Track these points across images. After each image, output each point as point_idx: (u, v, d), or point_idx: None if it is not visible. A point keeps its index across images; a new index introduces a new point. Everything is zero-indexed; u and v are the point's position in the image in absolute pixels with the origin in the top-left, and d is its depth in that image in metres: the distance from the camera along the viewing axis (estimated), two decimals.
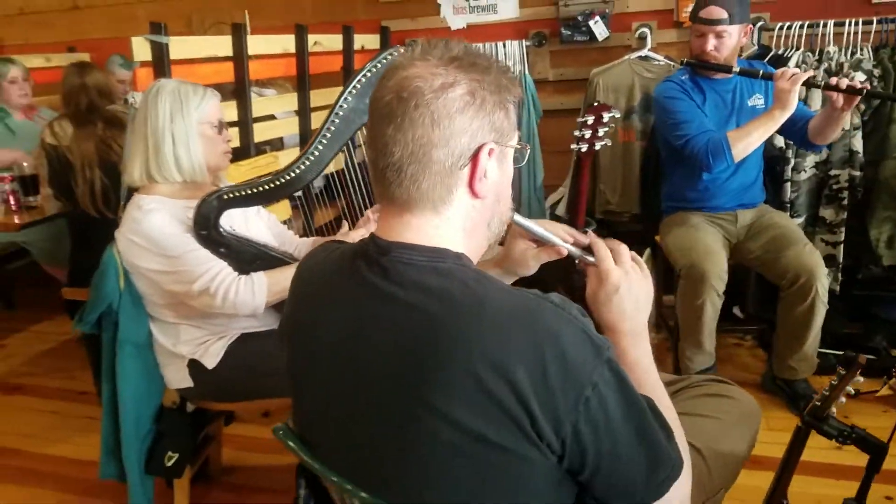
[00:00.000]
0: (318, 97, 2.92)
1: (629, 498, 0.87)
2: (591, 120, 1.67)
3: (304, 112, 2.87)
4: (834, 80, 2.26)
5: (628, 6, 3.43)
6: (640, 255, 1.06)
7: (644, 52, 3.33)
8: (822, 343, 2.54)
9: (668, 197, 2.75)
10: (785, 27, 2.98)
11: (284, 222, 2.31)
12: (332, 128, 1.76)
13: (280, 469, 2.37)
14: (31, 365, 3.31)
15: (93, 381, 2.80)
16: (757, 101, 2.54)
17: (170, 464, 1.94)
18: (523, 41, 3.52)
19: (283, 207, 2.51)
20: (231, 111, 2.47)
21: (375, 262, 0.90)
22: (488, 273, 0.93)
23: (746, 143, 2.33)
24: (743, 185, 2.60)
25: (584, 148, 1.70)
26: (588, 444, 0.82)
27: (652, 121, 3.13)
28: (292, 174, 1.77)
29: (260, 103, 2.68)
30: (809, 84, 2.26)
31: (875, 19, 2.90)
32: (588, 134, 1.67)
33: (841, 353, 1.36)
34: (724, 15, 2.38)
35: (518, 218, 1.07)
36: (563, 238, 1.11)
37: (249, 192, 1.75)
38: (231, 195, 1.74)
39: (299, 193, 1.91)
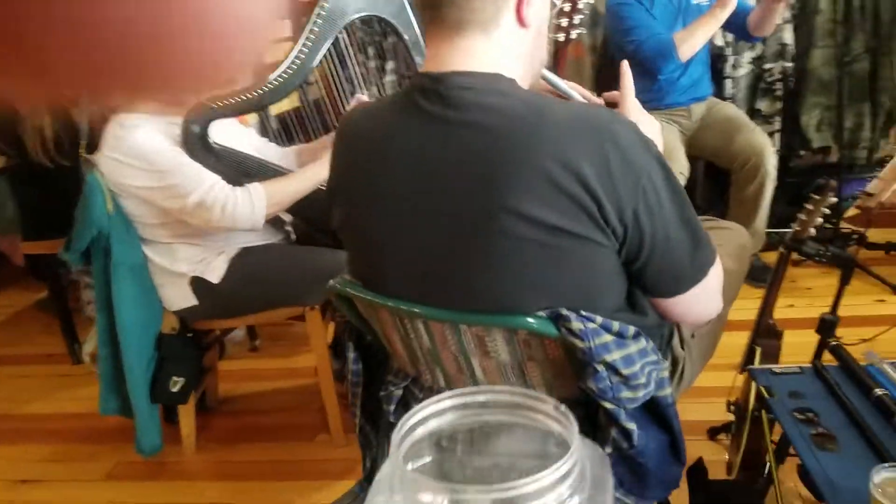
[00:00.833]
0: None
1: (676, 282, 0.99)
2: (567, 7, 1.73)
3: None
4: None
5: None
6: None
7: None
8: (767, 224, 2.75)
9: None
10: None
11: None
12: (316, 28, 1.76)
13: (279, 392, 2.40)
14: None
15: (63, 338, 2.75)
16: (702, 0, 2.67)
17: (175, 389, 1.95)
18: None
19: None
20: None
21: (432, 91, 0.94)
22: None
23: (692, 42, 2.46)
24: (692, 80, 2.74)
25: (562, 37, 1.76)
26: (645, 227, 0.92)
27: (600, 36, 3.23)
28: (279, 80, 1.77)
29: None
30: None
31: None
32: (565, 22, 1.73)
33: (785, 230, 1.51)
34: None
35: (544, 71, 1.14)
36: (583, 95, 1.21)
37: (237, 99, 1.73)
38: (222, 104, 1.72)
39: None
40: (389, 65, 3.18)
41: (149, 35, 0.20)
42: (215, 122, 1.73)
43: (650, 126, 1.14)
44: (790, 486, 1.54)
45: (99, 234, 1.79)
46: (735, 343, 1.68)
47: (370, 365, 1.35)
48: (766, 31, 2.60)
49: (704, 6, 2.61)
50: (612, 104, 1.21)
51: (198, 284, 1.82)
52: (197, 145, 1.71)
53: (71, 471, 2.07)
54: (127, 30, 0.20)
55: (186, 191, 1.68)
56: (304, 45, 1.75)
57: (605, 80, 3.15)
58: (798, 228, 1.49)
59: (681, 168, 2.51)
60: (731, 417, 1.71)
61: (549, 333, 0.95)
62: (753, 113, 3.12)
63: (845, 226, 2.51)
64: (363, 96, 1.89)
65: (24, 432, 2.37)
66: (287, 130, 2.79)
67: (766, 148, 2.52)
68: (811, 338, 1.50)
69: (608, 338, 0.95)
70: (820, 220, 1.47)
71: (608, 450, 1.00)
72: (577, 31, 1.79)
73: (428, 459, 0.57)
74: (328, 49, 1.79)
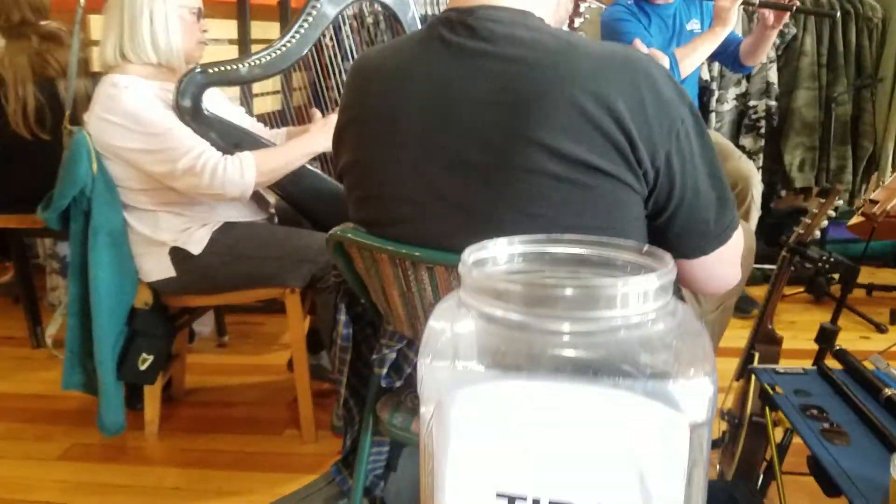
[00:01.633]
0: (256, 29, 2.86)
1: (702, 240, 0.95)
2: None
3: (243, 42, 2.80)
4: None
5: None
6: None
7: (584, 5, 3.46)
8: None
9: None
10: None
11: None
12: (314, 11, 1.73)
13: (248, 387, 2.31)
14: None
15: (26, 321, 2.62)
16: (694, 25, 2.72)
17: (144, 367, 1.85)
18: None
19: None
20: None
21: (459, 23, 0.91)
22: None
23: (692, 58, 2.49)
24: None
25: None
26: (676, 175, 0.88)
27: None
28: (278, 52, 1.72)
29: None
30: (746, 2, 2.45)
31: None
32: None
33: (771, 266, 1.51)
34: None
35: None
36: None
37: (233, 67, 1.69)
38: (214, 70, 1.67)
39: None
40: None
41: None
42: (208, 90, 1.68)
43: None
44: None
45: (81, 195, 1.71)
46: (722, 368, 1.65)
47: (358, 338, 1.29)
48: (758, 59, 2.65)
49: (697, 32, 2.66)
50: None
51: (177, 255, 1.74)
52: (189, 111, 1.65)
53: (24, 449, 1.94)
54: None
55: (176, 155, 1.62)
56: (302, 22, 1.72)
57: None
58: (801, 231, 1.49)
59: None
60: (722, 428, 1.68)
61: None
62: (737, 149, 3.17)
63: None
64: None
65: None
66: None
67: (753, 176, 2.55)
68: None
69: None
70: (826, 222, 1.46)
71: None
72: (586, 6, 1.79)
73: None
74: (325, 31, 1.76)
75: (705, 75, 3.09)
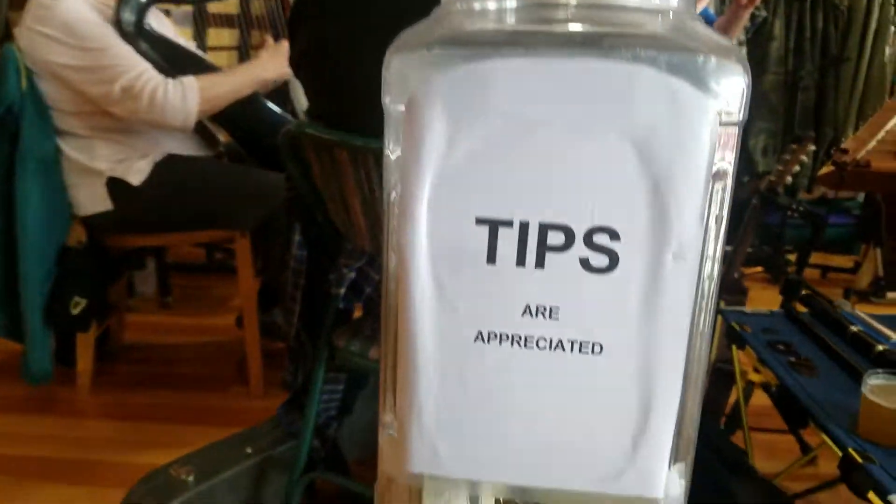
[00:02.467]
0: None
1: None
2: None
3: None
4: None
5: None
6: None
7: None
8: None
9: None
10: None
11: None
12: None
13: (192, 346, 2.19)
14: None
15: None
16: None
17: (76, 311, 1.72)
18: None
19: None
20: None
21: None
22: None
23: None
24: None
25: None
26: None
27: None
28: None
29: None
30: None
31: None
32: None
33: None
34: None
35: None
36: None
37: None
38: None
39: None
40: None
41: None
42: (155, 13, 1.57)
43: None
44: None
45: (8, 115, 1.58)
46: None
47: (312, 266, 1.20)
48: (731, 39, 2.64)
49: None
50: None
51: (115, 187, 1.62)
52: (130, 28, 1.54)
53: None
54: None
55: (114, 75, 1.51)
56: None
57: None
58: (773, 179, 1.45)
59: None
60: None
61: None
62: None
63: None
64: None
65: None
66: None
67: None
68: None
69: None
70: (797, 168, 1.43)
71: None
72: None
73: None
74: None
75: None
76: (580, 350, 0.30)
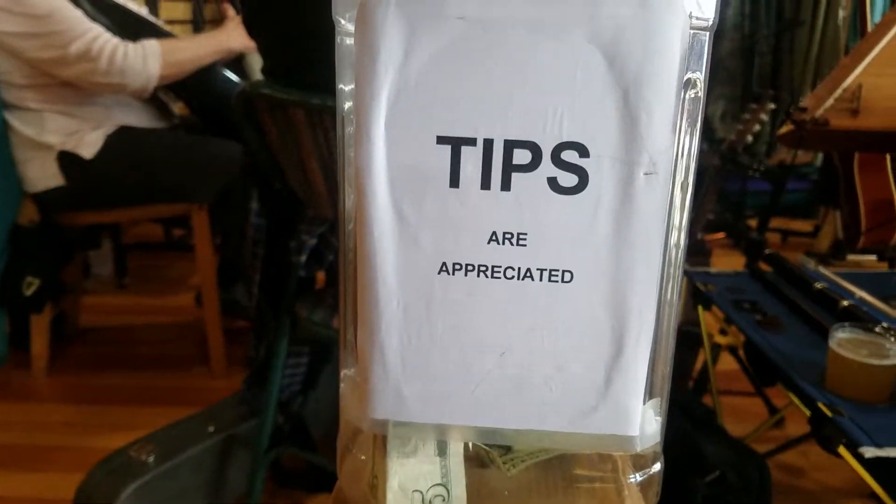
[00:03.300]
0: None
1: None
2: None
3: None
4: None
5: None
6: None
7: None
8: None
9: None
10: None
11: None
12: None
13: (150, 327, 2.13)
14: None
15: None
16: None
17: (28, 292, 1.66)
18: None
19: None
20: None
21: None
22: None
23: None
24: None
25: None
26: None
27: None
28: None
29: None
30: None
31: None
32: None
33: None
34: None
35: None
36: None
37: None
38: None
39: None
40: None
41: None
42: None
43: None
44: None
45: None
46: None
47: (272, 233, 1.16)
48: None
49: None
50: None
51: (67, 161, 1.56)
52: None
53: None
54: None
55: (66, 39, 1.44)
56: None
57: None
58: (734, 138, 1.45)
59: None
60: None
61: None
62: None
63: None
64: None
65: None
66: None
67: None
68: None
69: None
70: (758, 127, 1.43)
71: None
72: None
73: None
74: None
75: None
76: (549, 279, 0.29)
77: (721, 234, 2.94)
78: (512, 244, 0.28)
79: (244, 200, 1.10)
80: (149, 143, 1.60)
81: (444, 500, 0.32)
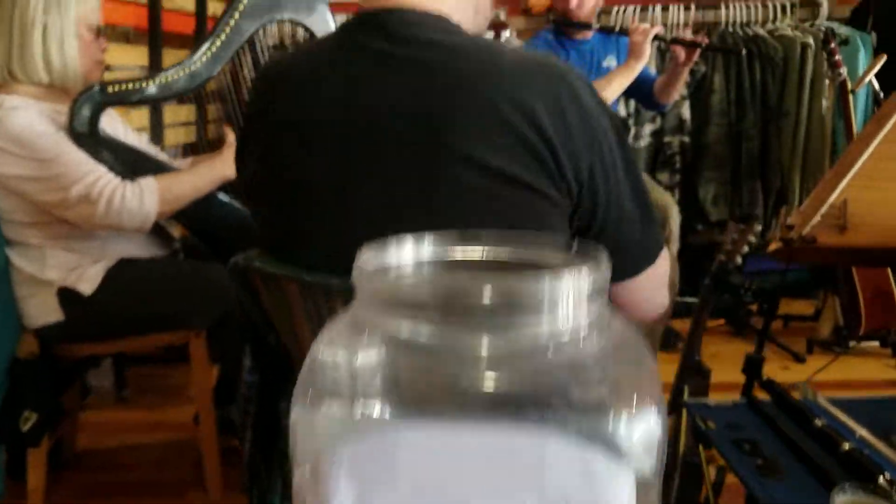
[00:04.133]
0: (169, 56, 2.73)
1: (630, 260, 0.89)
2: (491, 35, 1.71)
3: (154, 67, 2.66)
4: (679, 34, 2.52)
5: None
6: None
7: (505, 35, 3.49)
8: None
9: None
10: (620, 10, 3.29)
11: None
12: (232, 21, 1.62)
13: (148, 446, 2.11)
14: None
15: None
16: (611, 62, 2.75)
17: (26, 427, 1.65)
18: None
19: None
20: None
21: (375, 26, 0.85)
22: None
23: (608, 91, 2.51)
24: None
25: None
26: (600, 189, 0.83)
27: None
28: (189, 68, 1.61)
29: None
30: (658, 38, 2.50)
31: (693, 6, 3.29)
32: None
33: (692, 299, 1.50)
34: None
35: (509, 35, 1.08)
36: None
37: (136, 85, 1.56)
38: (114, 88, 1.55)
39: None
40: None
41: None
42: (108, 115, 1.55)
43: None
44: None
45: None
46: None
47: (267, 388, 1.16)
48: (670, 99, 2.71)
49: (613, 68, 2.70)
50: None
51: (66, 296, 1.58)
52: (84, 132, 1.52)
53: None
54: None
55: (68, 182, 1.48)
56: (215, 38, 1.61)
57: None
58: (723, 258, 1.46)
59: None
60: None
61: None
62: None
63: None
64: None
65: None
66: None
67: (671, 207, 2.57)
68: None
69: None
70: (746, 249, 1.45)
71: None
72: None
73: None
74: (241, 51, 1.66)
75: (622, 112, 3.14)
76: None
77: (721, 321, 2.94)
78: None
79: (238, 353, 1.10)
80: (147, 274, 1.62)
81: None
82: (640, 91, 2.71)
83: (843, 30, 3.12)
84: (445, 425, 0.27)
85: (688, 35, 2.49)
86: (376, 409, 0.28)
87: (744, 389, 1.42)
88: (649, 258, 0.90)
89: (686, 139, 3.18)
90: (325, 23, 1.71)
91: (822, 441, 1.12)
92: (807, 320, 2.93)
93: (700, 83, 3.20)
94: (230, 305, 1.63)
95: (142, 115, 2.46)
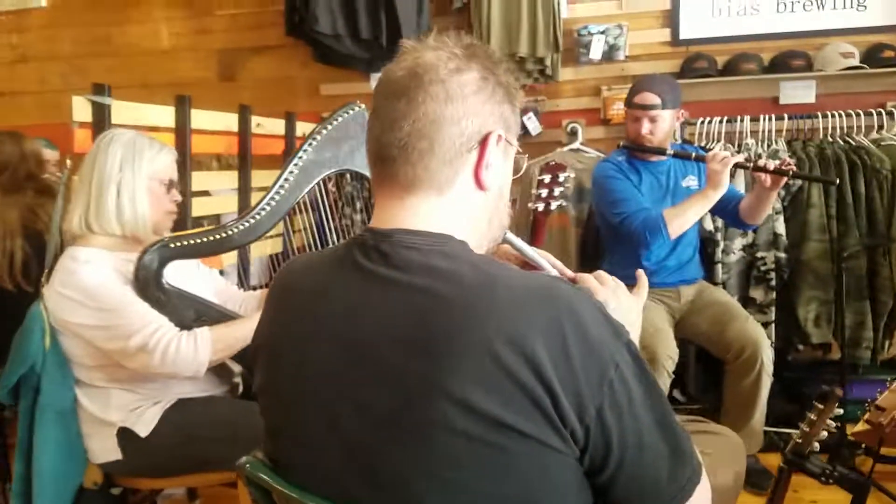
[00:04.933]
0: (258, 177, 2.89)
1: (652, 499, 0.81)
2: (547, 179, 1.70)
3: (244, 189, 2.82)
4: (762, 163, 2.40)
5: (558, 105, 3.61)
6: None
7: (576, 146, 3.48)
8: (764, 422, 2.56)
9: (609, 274, 2.78)
10: (706, 122, 3.20)
11: None
12: (291, 178, 1.71)
13: None
14: None
15: None
16: (691, 181, 2.66)
17: None
18: None
19: None
20: None
21: (374, 248, 0.85)
22: None
23: (682, 220, 2.42)
24: (680, 262, 2.68)
25: (541, 207, 1.72)
26: (613, 432, 0.76)
27: (586, 209, 3.24)
28: (247, 223, 1.69)
29: (201, 177, 2.62)
30: (739, 166, 2.40)
31: (786, 115, 3.16)
32: (545, 193, 1.70)
33: (784, 429, 1.37)
34: (656, 101, 2.53)
35: (510, 235, 1.06)
36: (554, 266, 1.11)
37: (198, 241, 1.66)
38: (177, 244, 1.65)
39: None
40: None
41: None
42: (173, 262, 1.63)
43: (627, 311, 1.04)
44: None
45: (31, 371, 1.65)
46: None
47: None
48: (758, 220, 2.58)
49: (693, 189, 2.60)
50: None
51: (124, 437, 1.65)
52: (148, 285, 1.62)
53: None
54: None
55: (129, 332, 1.57)
56: (276, 192, 1.69)
57: (589, 253, 3.10)
58: (800, 441, 1.33)
59: (668, 351, 2.38)
60: None
61: None
62: (747, 301, 3.03)
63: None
64: None
65: None
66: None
67: (762, 340, 2.39)
68: None
69: None
70: (825, 433, 1.31)
71: None
72: (558, 203, 1.74)
73: None
74: (305, 199, 1.73)
75: (709, 225, 3.01)
76: None
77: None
78: None
79: None
80: (202, 415, 1.68)
81: None
82: (724, 210, 2.60)
83: None
84: None
85: (772, 164, 2.36)
86: None
87: None
88: (678, 497, 0.81)
89: (781, 255, 3.00)
90: None
91: None
92: None
93: (796, 196, 3.04)
94: None
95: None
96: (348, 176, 2.47)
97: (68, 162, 2.02)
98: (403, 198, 0.86)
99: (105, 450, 1.66)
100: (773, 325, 3.01)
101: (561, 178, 1.73)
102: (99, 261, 1.62)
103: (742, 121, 3.17)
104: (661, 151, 2.56)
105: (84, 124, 2.08)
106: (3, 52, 4.12)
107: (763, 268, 3.03)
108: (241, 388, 1.87)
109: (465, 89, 0.84)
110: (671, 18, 3.42)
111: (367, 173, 1.77)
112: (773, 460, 2.53)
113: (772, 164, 2.36)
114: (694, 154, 2.54)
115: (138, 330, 1.56)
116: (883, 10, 3.26)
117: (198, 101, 2.57)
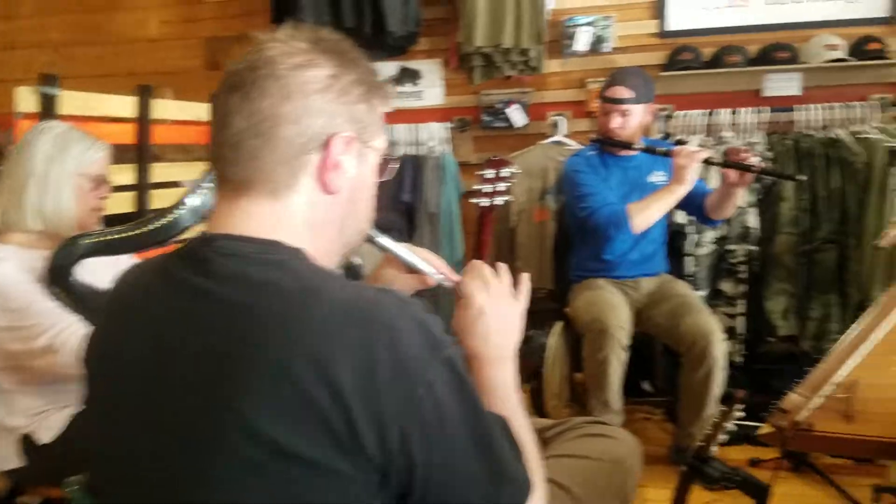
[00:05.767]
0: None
1: None
2: (490, 174, 1.69)
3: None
4: (731, 159, 2.38)
5: (544, 97, 3.54)
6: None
7: (557, 138, 3.45)
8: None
9: (575, 267, 2.77)
10: (688, 115, 3.18)
11: None
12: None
13: None
14: None
15: None
16: (659, 177, 2.63)
17: None
18: (447, 124, 3.62)
19: None
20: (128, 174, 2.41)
21: (190, 255, 0.79)
22: None
23: (647, 214, 2.40)
24: (643, 256, 2.65)
25: (486, 202, 1.72)
26: (417, 454, 0.71)
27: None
28: (169, 218, 1.54)
29: (160, 168, 2.61)
30: (707, 162, 2.38)
31: (769, 108, 3.13)
32: (489, 189, 1.69)
33: (753, 423, 1.37)
34: (628, 95, 2.48)
35: (381, 238, 1.00)
36: (436, 267, 1.08)
37: (116, 236, 1.51)
38: (89, 240, 1.50)
39: None
40: None
41: None
42: (87, 258, 1.55)
43: (503, 317, 0.96)
44: None
45: None
46: None
47: None
48: (724, 215, 2.55)
49: (661, 184, 2.57)
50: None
51: (27, 444, 1.59)
52: (57, 283, 1.49)
53: None
54: None
55: (35, 332, 1.50)
56: (203, 185, 1.63)
57: (562, 247, 3.09)
58: (702, 444, 1.34)
59: (619, 322, 2.37)
60: None
61: None
62: (717, 294, 3.01)
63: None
64: None
65: None
66: None
67: (714, 334, 2.37)
68: None
69: None
70: (725, 436, 1.32)
71: None
72: (504, 199, 1.74)
73: None
74: None
75: (681, 219, 2.99)
76: None
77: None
78: None
79: None
80: None
81: None
82: (691, 205, 2.57)
83: None
84: None
85: (744, 157, 2.33)
86: None
87: None
88: None
89: (752, 248, 2.97)
90: None
91: None
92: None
93: (769, 189, 3.01)
94: None
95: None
96: None
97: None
98: (237, 200, 0.80)
99: (7, 457, 1.59)
100: (741, 317, 3.00)
101: (504, 174, 1.72)
102: (12, 259, 1.55)
103: (720, 114, 3.13)
104: (629, 146, 2.54)
105: (30, 115, 2.03)
106: None
107: (733, 261, 2.99)
108: None
109: (307, 87, 0.78)
110: (659, 10, 3.35)
111: None
112: (734, 454, 2.53)
113: (756, 159, 2.36)
114: (661, 149, 2.52)
115: (45, 330, 1.50)
116: (873, 1, 3.18)
117: (185, 89, 2.53)
